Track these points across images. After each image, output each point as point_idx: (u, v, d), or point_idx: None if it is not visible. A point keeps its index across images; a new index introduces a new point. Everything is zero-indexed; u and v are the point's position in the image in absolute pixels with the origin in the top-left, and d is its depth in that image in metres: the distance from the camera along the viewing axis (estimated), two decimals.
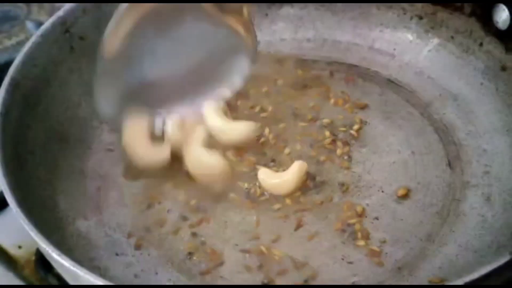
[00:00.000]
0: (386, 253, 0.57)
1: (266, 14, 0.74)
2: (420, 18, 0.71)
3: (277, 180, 0.61)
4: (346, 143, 0.64)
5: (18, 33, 0.80)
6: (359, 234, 0.58)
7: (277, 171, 0.62)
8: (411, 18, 0.72)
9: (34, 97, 0.63)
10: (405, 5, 0.72)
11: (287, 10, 0.75)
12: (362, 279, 0.56)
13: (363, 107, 0.68)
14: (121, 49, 0.59)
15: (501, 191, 0.60)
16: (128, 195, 0.63)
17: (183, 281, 0.57)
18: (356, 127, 0.66)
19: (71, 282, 0.53)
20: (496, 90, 0.66)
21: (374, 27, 0.73)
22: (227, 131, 0.62)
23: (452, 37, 0.70)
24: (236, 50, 0.62)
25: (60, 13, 0.66)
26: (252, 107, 0.67)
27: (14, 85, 0.61)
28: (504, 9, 0.65)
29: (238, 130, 0.63)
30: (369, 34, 0.73)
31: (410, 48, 0.71)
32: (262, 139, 0.65)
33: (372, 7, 0.73)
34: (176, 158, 0.61)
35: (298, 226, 0.59)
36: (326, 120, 0.66)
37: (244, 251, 0.58)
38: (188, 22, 0.61)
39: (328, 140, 0.64)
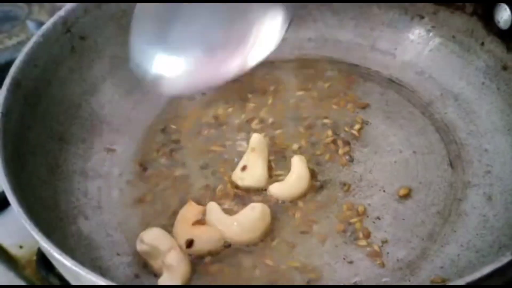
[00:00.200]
0: (388, 253, 0.57)
1: None
2: (421, 17, 0.71)
3: (288, 186, 0.60)
4: (347, 143, 0.64)
5: (19, 33, 0.80)
6: (361, 234, 0.58)
7: (280, 174, 0.62)
8: (412, 17, 0.72)
9: (35, 97, 0.63)
10: (406, 4, 0.72)
11: None
12: (364, 279, 0.56)
13: (364, 107, 0.68)
14: None
15: (503, 190, 0.60)
16: (129, 195, 0.63)
17: None
18: (357, 126, 0.66)
19: (73, 282, 0.53)
20: (498, 90, 0.66)
21: (375, 26, 0.73)
22: (230, 226, 0.58)
23: (454, 37, 0.70)
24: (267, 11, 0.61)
25: (61, 13, 0.66)
26: (255, 108, 0.68)
27: (15, 85, 0.61)
28: (505, 9, 0.65)
29: (240, 223, 0.59)
30: (370, 34, 0.73)
31: (411, 48, 0.71)
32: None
33: (373, 7, 0.73)
34: None
35: (300, 226, 0.59)
36: (327, 120, 0.66)
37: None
38: None
39: (329, 140, 0.64)
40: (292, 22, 0.62)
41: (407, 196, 0.61)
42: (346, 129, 0.65)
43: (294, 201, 0.60)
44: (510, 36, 0.65)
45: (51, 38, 0.65)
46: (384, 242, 0.58)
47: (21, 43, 0.77)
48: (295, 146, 0.64)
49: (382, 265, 0.56)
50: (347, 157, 0.63)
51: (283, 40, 0.62)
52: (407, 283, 0.55)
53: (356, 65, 0.71)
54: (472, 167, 0.62)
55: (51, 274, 0.61)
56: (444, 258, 0.57)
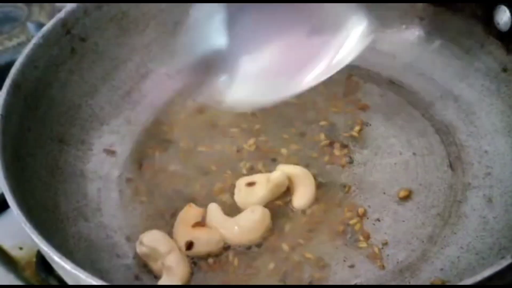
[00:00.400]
0: (388, 255, 0.57)
1: None
2: (422, 19, 0.71)
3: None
4: (347, 145, 0.64)
5: (19, 35, 0.80)
6: (361, 236, 0.58)
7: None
8: (412, 19, 0.72)
9: (35, 98, 0.63)
10: (407, 6, 0.72)
11: None
12: (364, 281, 0.56)
13: (364, 108, 0.68)
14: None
15: (503, 192, 0.60)
16: (129, 196, 0.63)
17: None
18: (357, 128, 0.66)
19: (72, 284, 0.53)
20: (498, 91, 0.66)
21: (376, 28, 0.73)
22: (230, 227, 0.58)
23: (454, 38, 0.70)
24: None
25: (61, 14, 0.66)
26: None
27: (15, 87, 0.61)
28: (505, 11, 0.65)
29: (240, 225, 0.59)
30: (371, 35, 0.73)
31: (411, 49, 0.71)
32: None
33: (374, 8, 0.73)
34: None
35: (300, 227, 0.59)
36: (327, 122, 0.66)
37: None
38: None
39: (329, 142, 0.64)
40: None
41: (407, 198, 0.61)
42: (346, 130, 0.65)
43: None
44: (510, 38, 0.65)
45: (51, 40, 0.65)
46: (384, 244, 0.58)
47: (21, 45, 0.77)
48: (293, 149, 0.64)
49: (382, 267, 0.56)
50: (347, 158, 0.63)
51: None
52: (407, 284, 0.55)
53: (356, 66, 0.71)
54: (472, 168, 0.62)
55: (51, 275, 0.61)
56: (444, 260, 0.57)
